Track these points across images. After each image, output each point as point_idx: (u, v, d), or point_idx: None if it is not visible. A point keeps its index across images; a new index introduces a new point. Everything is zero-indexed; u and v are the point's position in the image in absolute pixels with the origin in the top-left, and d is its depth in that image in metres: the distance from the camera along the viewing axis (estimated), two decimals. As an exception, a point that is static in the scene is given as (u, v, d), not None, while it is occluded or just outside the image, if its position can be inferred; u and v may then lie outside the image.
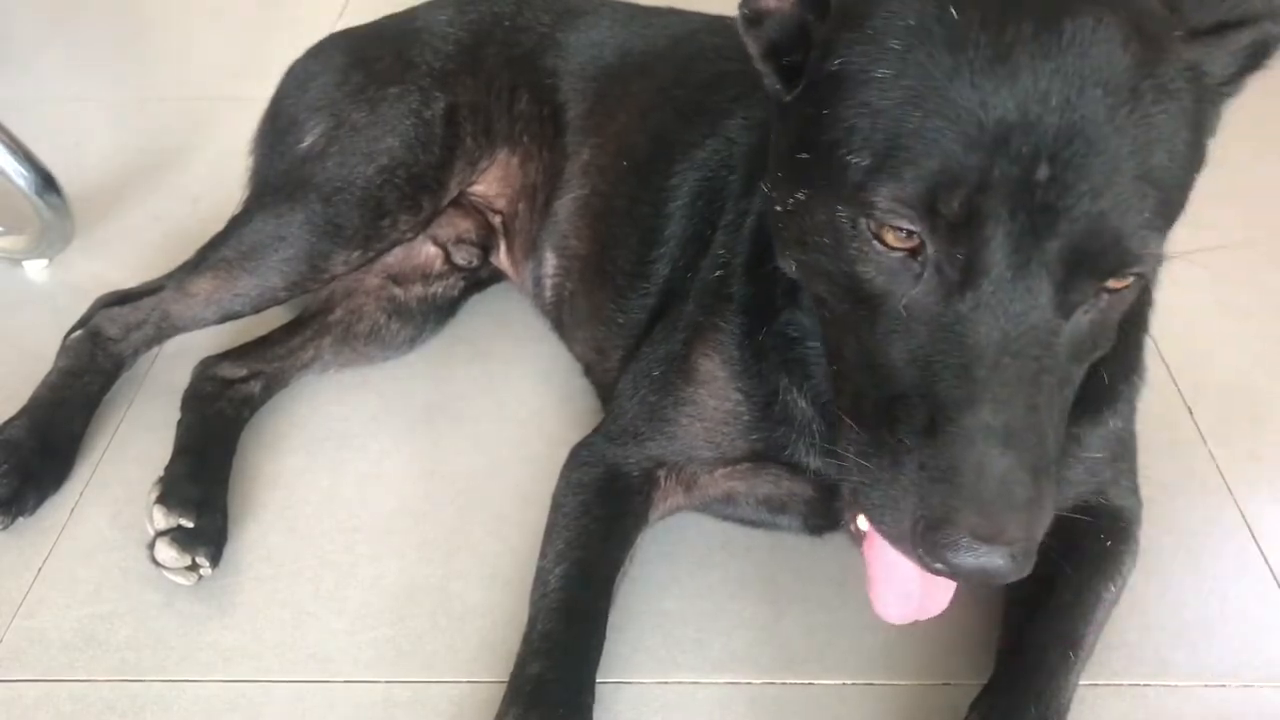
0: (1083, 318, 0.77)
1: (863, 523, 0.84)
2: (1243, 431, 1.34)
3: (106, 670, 1.08)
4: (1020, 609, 1.06)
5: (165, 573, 1.13)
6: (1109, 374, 0.99)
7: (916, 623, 0.90)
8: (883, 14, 0.77)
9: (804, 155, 0.82)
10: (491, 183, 1.47)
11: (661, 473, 1.14)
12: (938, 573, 0.76)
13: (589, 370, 1.38)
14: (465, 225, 1.49)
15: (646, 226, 1.23)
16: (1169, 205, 0.76)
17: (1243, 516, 1.23)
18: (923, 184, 0.72)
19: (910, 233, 0.75)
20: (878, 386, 0.80)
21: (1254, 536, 1.21)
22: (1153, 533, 1.13)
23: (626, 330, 1.25)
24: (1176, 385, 1.40)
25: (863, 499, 0.81)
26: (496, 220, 1.51)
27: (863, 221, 0.76)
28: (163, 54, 2.34)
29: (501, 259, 1.53)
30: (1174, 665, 1.08)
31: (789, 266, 0.89)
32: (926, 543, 0.74)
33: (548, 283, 1.43)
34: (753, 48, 0.87)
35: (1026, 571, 0.74)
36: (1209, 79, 0.79)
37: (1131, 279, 0.76)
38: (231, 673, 1.07)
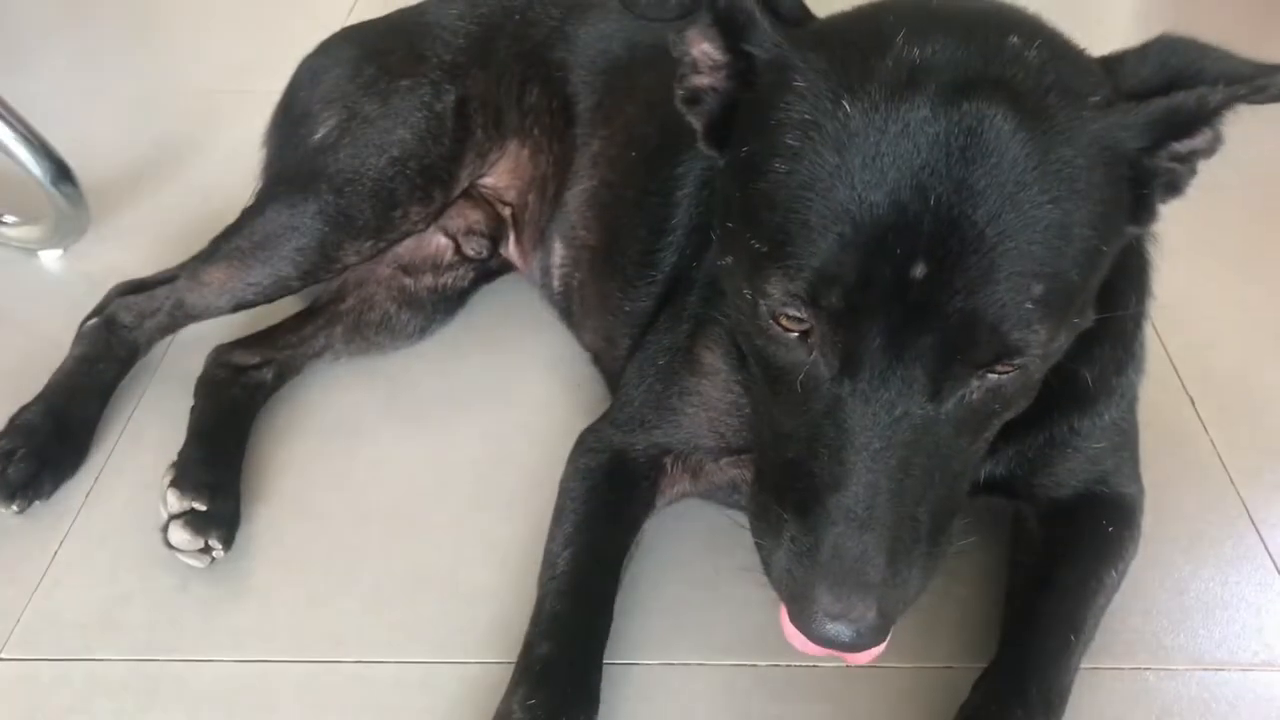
0: (970, 397, 0.79)
1: None
2: (1244, 420, 1.35)
3: (122, 650, 1.09)
4: (1022, 593, 1.07)
5: (179, 555, 1.15)
6: (1092, 374, 1.00)
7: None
8: (783, 105, 0.78)
9: (729, 224, 0.85)
10: (501, 175, 1.48)
11: (668, 460, 1.15)
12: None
13: (597, 359, 1.39)
14: (475, 216, 1.50)
15: (654, 216, 1.24)
16: (1061, 290, 0.75)
17: (1243, 504, 1.24)
18: (805, 280, 0.75)
19: (801, 318, 0.78)
20: (774, 449, 0.86)
21: (1254, 523, 1.22)
22: (1154, 519, 1.14)
23: (634, 319, 1.26)
24: (1178, 375, 1.41)
25: (758, 550, 0.88)
26: (506, 212, 1.52)
27: (761, 303, 0.79)
28: (176, 47, 2.36)
29: (510, 250, 1.54)
30: (1174, 650, 1.09)
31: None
32: (790, 611, 0.83)
33: (556, 273, 1.44)
34: (696, 125, 0.90)
35: (879, 642, 0.81)
36: (1125, 147, 0.76)
37: (1014, 367, 0.78)
38: (245, 653, 1.09)
